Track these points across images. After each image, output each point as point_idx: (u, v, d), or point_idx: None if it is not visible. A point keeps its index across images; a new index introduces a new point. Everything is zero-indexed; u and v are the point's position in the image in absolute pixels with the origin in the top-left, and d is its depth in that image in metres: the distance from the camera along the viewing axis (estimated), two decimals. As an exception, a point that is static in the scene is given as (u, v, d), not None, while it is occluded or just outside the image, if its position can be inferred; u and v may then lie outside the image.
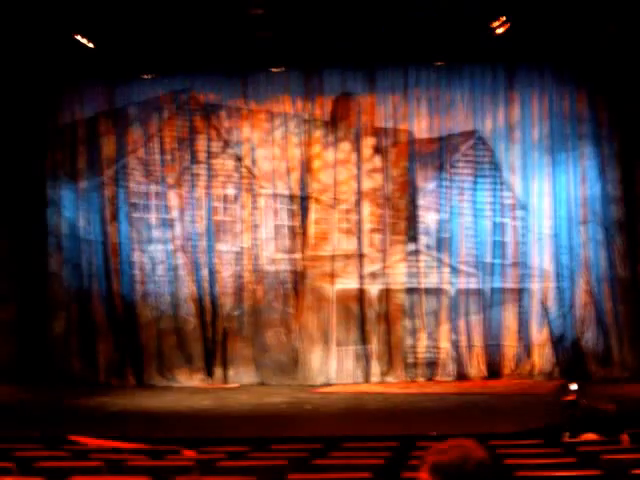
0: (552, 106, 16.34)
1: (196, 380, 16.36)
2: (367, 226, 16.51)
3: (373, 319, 16.37)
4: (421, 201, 16.45)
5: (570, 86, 16.31)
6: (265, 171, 16.65)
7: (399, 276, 16.39)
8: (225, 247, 16.66)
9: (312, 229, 16.54)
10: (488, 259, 16.28)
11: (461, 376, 16.09)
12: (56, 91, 16.88)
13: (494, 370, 16.08)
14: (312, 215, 16.54)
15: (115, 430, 10.79)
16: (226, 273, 16.59)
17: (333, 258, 16.43)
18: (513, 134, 16.41)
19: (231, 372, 16.43)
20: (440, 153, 16.53)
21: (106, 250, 16.63)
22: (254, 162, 16.67)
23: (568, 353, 15.99)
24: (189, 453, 8.07)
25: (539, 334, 16.09)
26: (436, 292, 16.34)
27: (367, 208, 16.52)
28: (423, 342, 16.26)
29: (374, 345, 16.30)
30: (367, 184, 16.54)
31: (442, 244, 16.35)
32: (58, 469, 6.45)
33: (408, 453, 7.58)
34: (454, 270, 16.34)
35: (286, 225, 16.58)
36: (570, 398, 8.56)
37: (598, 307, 16.01)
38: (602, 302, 16.02)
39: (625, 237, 16.08)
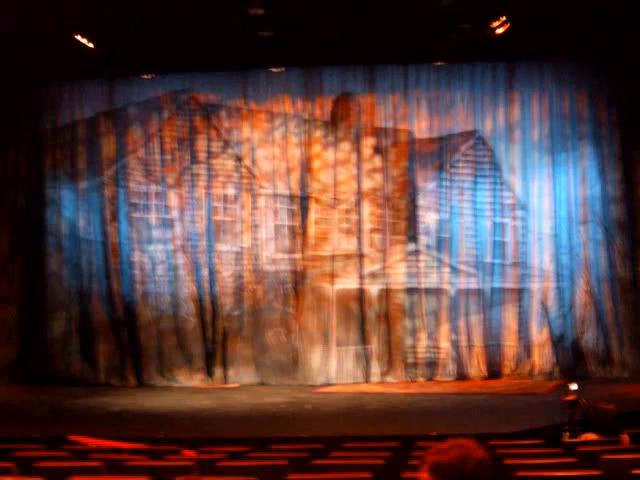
0: (552, 106, 16.34)
1: (196, 380, 16.37)
2: (367, 226, 16.51)
3: (373, 319, 16.38)
4: (421, 201, 16.45)
5: (570, 86, 16.30)
6: (265, 171, 16.66)
7: (399, 276, 16.39)
8: (225, 247, 16.66)
9: (312, 229, 16.54)
10: (488, 259, 16.28)
11: (461, 376, 16.09)
12: (56, 91, 16.89)
13: (494, 370, 16.08)
14: (312, 215, 16.55)
15: (115, 430, 10.80)
16: (226, 273, 16.59)
17: (333, 258, 16.44)
18: (513, 134, 16.41)
19: (231, 372, 16.44)
20: (440, 153, 16.54)
21: (106, 250, 16.63)
22: (254, 162, 16.67)
23: (568, 353, 15.99)
24: (189, 453, 8.08)
25: (539, 334, 16.09)
26: (436, 292, 16.35)
27: (367, 208, 16.52)
28: (423, 342, 16.26)
29: (374, 345, 16.30)
30: (367, 184, 16.55)
31: (442, 244, 16.36)
32: (58, 469, 6.45)
33: (408, 453, 7.58)
34: (454, 270, 16.35)
35: (286, 225, 16.59)
36: (570, 398, 8.55)
37: (598, 307, 16.01)
38: (602, 302, 16.01)
39: (625, 237, 16.08)
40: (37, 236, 16.72)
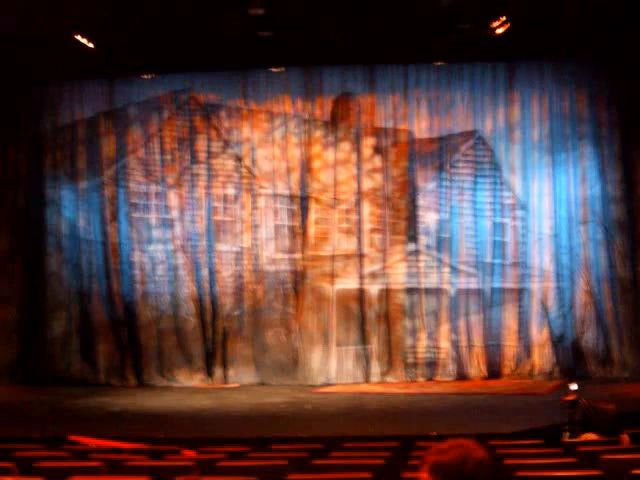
0: (552, 106, 16.34)
1: (196, 380, 16.37)
2: (367, 226, 16.51)
3: (373, 319, 16.38)
4: (421, 201, 16.45)
5: (570, 86, 16.31)
6: (265, 171, 16.66)
7: (399, 276, 16.39)
8: (225, 247, 16.66)
9: (312, 229, 16.54)
10: (488, 259, 16.28)
11: (461, 376, 16.09)
12: (56, 91, 16.90)
13: (494, 370, 16.08)
14: (312, 215, 16.55)
15: (115, 430, 10.80)
16: (226, 273, 16.59)
17: (333, 258, 16.44)
18: (513, 134, 16.41)
19: (231, 372, 16.44)
20: (440, 153, 16.54)
21: (106, 250, 16.63)
22: (254, 162, 16.67)
23: (568, 353, 15.99)
24: (189, 453, 8.08)
25: (539, 334, 16.09)
26: (436, 292, 16.35)
27: (367, 208, 16.52)
28: (423, 342, 16.26)
29: (374, 345, 16.30)
30: (367, 184, 16.55)
31: (442, 244, 16.36)
32: (58, 469, 6.45)
33: (408, 453, 7.58)
34: (454, 270, 16.35)
35: (286, 225, 16.59)
36: (570, 398, 8.55)
37: (598, 307, 16.01)
38: (602, 302, 16.01)
39: (625, 237, 16.08)
40: (37, 236, 16.72)
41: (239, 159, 16.73)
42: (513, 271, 16.30)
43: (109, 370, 16.48)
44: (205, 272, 16.57)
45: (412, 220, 16.38)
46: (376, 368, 16.24)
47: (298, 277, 16.47)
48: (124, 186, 16.70)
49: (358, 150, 16.56)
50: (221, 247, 16.64)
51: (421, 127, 16.53)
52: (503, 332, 16.19)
